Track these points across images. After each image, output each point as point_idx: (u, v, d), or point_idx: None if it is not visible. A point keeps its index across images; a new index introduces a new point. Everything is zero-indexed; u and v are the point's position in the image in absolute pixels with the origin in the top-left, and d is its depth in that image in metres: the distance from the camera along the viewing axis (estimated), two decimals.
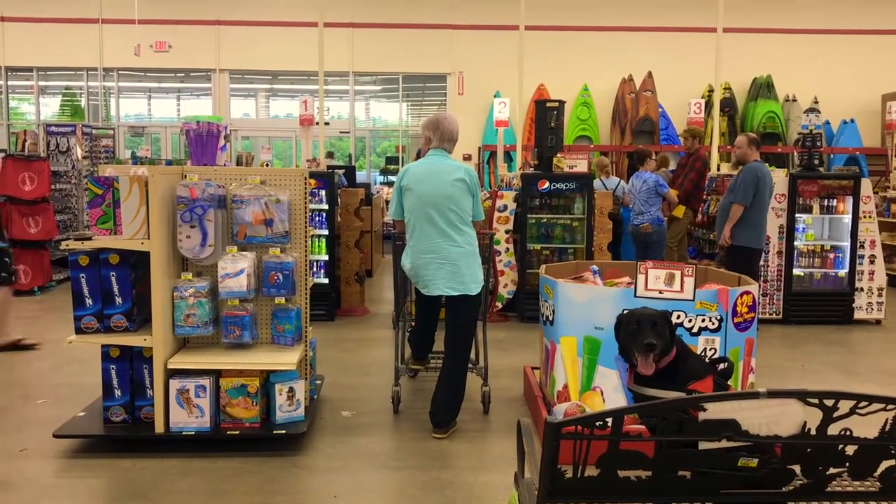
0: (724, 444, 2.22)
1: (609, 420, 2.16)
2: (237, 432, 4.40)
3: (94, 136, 11.90)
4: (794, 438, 2.19)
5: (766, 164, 7.67)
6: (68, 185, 11.03)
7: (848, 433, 2.18)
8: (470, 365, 5.06)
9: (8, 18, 15.29)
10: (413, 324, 5.47)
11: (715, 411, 2.17)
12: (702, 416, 2.18)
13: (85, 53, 15.48)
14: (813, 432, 2.17)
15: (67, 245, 4.27)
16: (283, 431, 4.43)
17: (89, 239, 4.29)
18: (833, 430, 2.17)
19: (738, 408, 2.18)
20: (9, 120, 16.05)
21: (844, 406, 2.14)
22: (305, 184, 4.71)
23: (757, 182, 7.20)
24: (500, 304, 8.21)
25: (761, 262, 7.86)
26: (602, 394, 4.32)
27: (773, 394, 2.13)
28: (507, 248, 8.15)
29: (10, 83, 16.04)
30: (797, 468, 2.28)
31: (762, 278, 8.05)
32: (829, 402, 2.14)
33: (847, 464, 2.24)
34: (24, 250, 9.36)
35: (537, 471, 2.30)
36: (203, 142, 4.71)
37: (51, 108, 16.48)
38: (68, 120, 15.75)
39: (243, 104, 16.94)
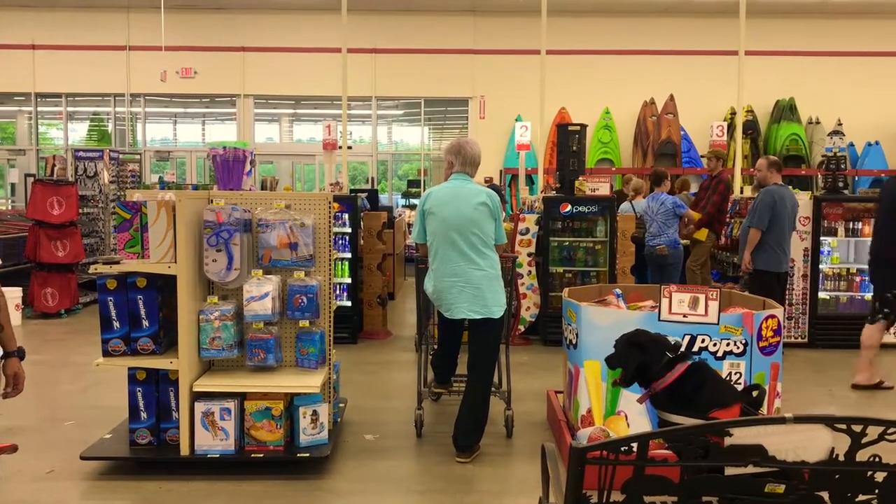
0: (750, 469, 2.20)
1: (634, 445, 2.16)
2: (261, 455, 4.42)
3: (121, 160, 12.07)
4: (822, 464, 2.17)
5: (789, 187, 7.62)
6: (95, 209, 11.19)
7: (877, 459, 2.16)
8: (493, 388, 5.06)
9: (39, 46, 15.61)
10: (435, 347, 5.47)
11: (741, 436, 2.16)
12: (728, 441, 2.17)
13: (112, 80, 15.76)
14: (841, 458, 2.15)
15: (96, 269, 4.33)
16: (307, 454, 4.45)
17: (117, 263, 4.35)
18: (862, 456, 2.15)
19: (764, 433, 2.17)
20: (38, 145, 16.33)
21: (873, 432, 2.11)
22: (329, 208, 4.76)
23: (773, 205, 7.13)
24: (522, 328, 8.19)
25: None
26: (627, 418, 4.30)
27: (799, 419, 2.12)
28: (530, 271, 8.15)
29: (39, 109, 16.32)
30: (825, 495, 2.26)
31: (786, 301, 7.97)
32: (857, 428, 2.11)
33: (876, 491, 2.21)
34: (51, 273, 9.49)
35: (562, 496, 2.30)
36: (229, 167, 4.77)
37: (79, 133, 16.76)
38: (96, 145, 16.01)
39: (267, 129, 17.13)
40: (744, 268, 7.32)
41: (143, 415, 4.49)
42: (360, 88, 15.03)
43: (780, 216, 7.14)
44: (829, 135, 8.52)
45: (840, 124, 14.66)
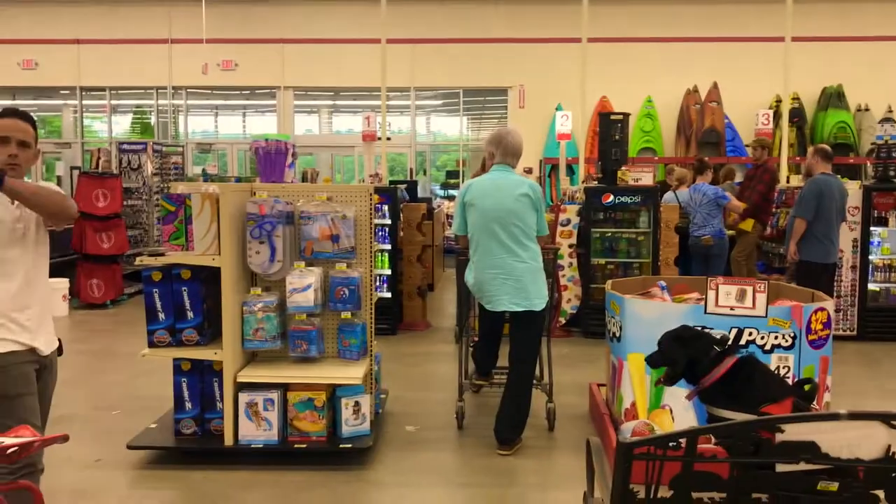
0: (802, 466, 2.15)
1: (682, 440, 2.12)
2: (304, 446, 4.45)
3: (164, 153, 12.23)
4: (878, 462, 2.11)
5: (837, 177, 7.45)
6: (139, 201, 11.35)
7: None
8: (534, 381, 5.03)
9: (83, 41, 15.85)
10: (476, 339, 5.45)
11: (793, 433, 2.11)
12: (779, 437, 2.12)
13: (155, 73, 15.95)
14: None
15: (141, 261, 4.39)
16: (350, 445, 4.47)
17: (162, 255, 4.40)
18: None
19: (817, 430, 2.12)
20: (83, 138, 16.62)
21: None
22: (370, 200, 4.76)
23: (819, 195, 6.97)
24: (563, 320, 8.14)
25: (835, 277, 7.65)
26: (671, 412, 4.24)
27: (854, 416, 2.06)
28: (571, 263, 8.09)
29: (84, 102, 16.60)
30: (881, 493, 2.20)
31: (835, 293, 7.81)
32: None
33: None
34: (96, 265, 9.66)
35: (608, 491, 2.27)
36: (272, 160, 4.79)
37: (122, 126, 17.01)
38: (139, 138, 16.23)
39: (306, 120, 17.21)
40: (789, 258, 7.19)
41: (188, 405, 4.54)
42: (398, 79, 15.02)
43: (827, 206, 6.99)
44: (879, 122, 8.31)
45: (891, 111, 14.28)
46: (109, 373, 6.60)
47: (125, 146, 11.74)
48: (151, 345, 4.45)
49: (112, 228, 9.75)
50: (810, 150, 7.38)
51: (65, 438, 2.37)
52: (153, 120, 16.62)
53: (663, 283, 4.90)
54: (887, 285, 8.07)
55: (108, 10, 15.77)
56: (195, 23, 14.79)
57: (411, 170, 16.30)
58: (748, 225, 8.86)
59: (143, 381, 6.27)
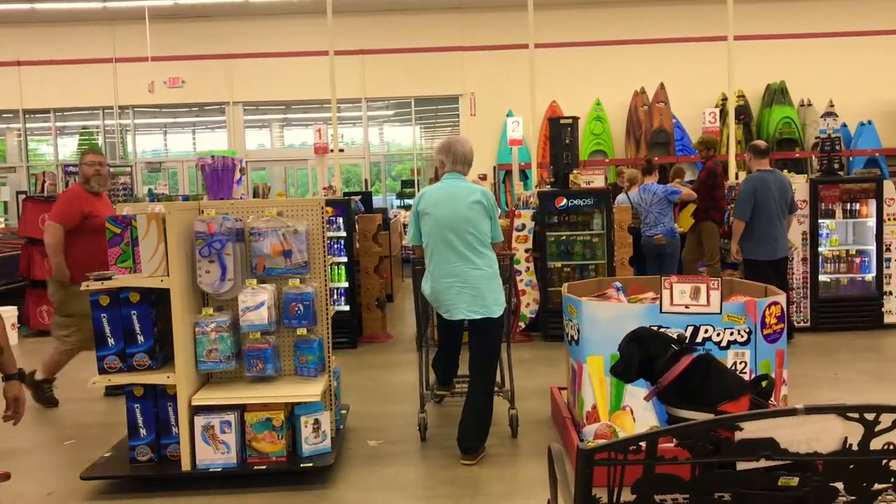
0: (762, 463, 2.15)
1: (643, 443, 2.11)
2: (264, 467, 4.36)
3: (112, 173, 11.98)
4: (836, 455, 2.12)
5: (777, 171, 7.56)
6: None
7: (891, 447, 2.11)
8: (496, 388, 5.00)
9: (24, 62, 15.53)
10: (436, 349, 5.41)
11: (752, 430, 2.11)
12: (738, 435, 2.12)
13: (100, 93, 15.69)
14: (855, 448, 2.10)
15: (87, 285, 4.27)
16: (311, 464, 4.39)
17: (109, 278, 4.29)
18: (875, 444, 2.10)
19: (775, 426, 2.12)
20: (28, 162, 16.25)
21: (886, 419, 2.07)
22: (322, 213, 4.70)
23: (753, 193, 7.08)
24: (523, 324, 8.14)
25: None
26: (632, 413, 4.25)
27: (811, 410, 2.07)
28: (528, 267, 8.10)
29: (28, 126, 16.25)
30: (840, 486, 2.21)
31: (788, 287, 7.94)
32: (869, 416, 2.07)
33: (892, 479, 2.16)
34: (45, 291, 9.38)
35: (571, 497, 2.25)
36: (219, 176, 4.71)
37: (69, 147, 16.67)
38: None
39: (258, 135, 17.06)
40: (732, 258, 7.32)
41: (143, 431, 4.42)
42: (349, 90, 14.97)
43: (765, 204, 7.07)
44: (822, 116, 8.49)
45: (832, 105, 14.61)
46: (62, 402, 6.41)
47: (71, 168, 11.47)
48: (102, 371, 4.32)
49: None
50: (747, 148, 7.52)
51: (6, 477, 2.27)
52: (100, 141, 16.31)
53: (619, 285, 4.92)
54: (837, 276, 8.22)
55: (49, 30, 15.48)
56: (139, 41, 14.57)
57: (366, 181, 16.23)
58: (685, 222, 8.98)
59: (96, 409, 6.11)
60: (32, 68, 15.56)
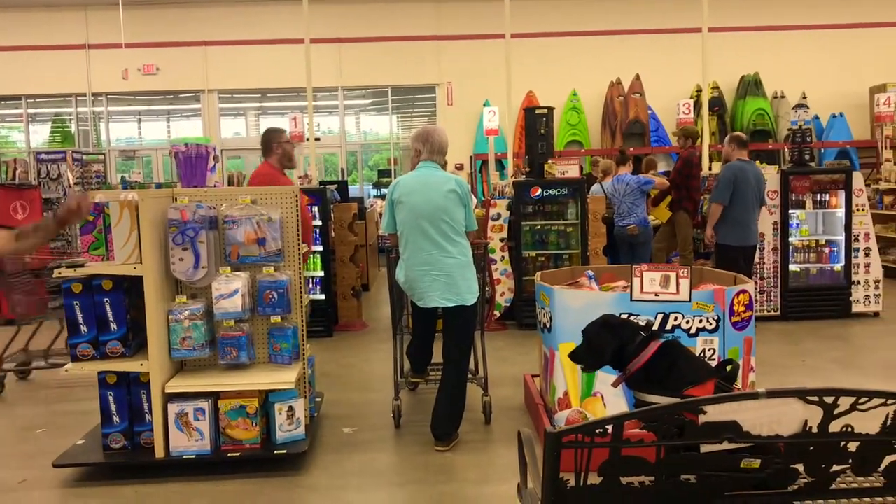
0: (726, 446, 2.20)
1: (609, 427, 2.15)
2: (238, 454, 4.37)
3: (85, 161, 11.88)
4: (796, 437, 2.17)
5: (755, 162, 7.70)
6: None
7: (850, 430, 2.17)
8: (470, 375, 5.05)
9: None
10: (411, 337, 5.44)
11: (715, 413, 2.16)
12: (702, 418, 2.17)
13: (73, 79, 15.48)
14: (815, 430, 2.16)
15: (60, 273, 4.25)
16: (284, 451, 4.41)
17: (82, 266, 4.27)
18: (835, 427, 2.16)
19: (738, 409, 2.17)
20: None
21: (845, 403, 2.12)
22: (296, 201, 4.69)
23: (734, 180, 7.26)
24: (497, 313, 8.19)
25: (756, 260, 7.88)
26: (603, 399, 4.30)
27: (772, 393, 2.12)
28: (503, 256, 8.14)
29: None
30: (801, 467, 2.27)
31: (758, 275, 8.05)
32: (829, 400, 2.12)
33: (850, 461, 2.22)
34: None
35: (540, 481, 2.28)
36: (192, 164, 4.69)
37: (41, 135, 16.44)
38: (59, 146, 15.73)
39: (233, 123, 16.92)
40: (706, 241, 7.45)
41: (116, 419, 4.42)
42: (325, 79, 14.88)
43: (743, 191, 7.25)
44: (794, 108, 8.58)
45: (805, 97, 14.79)
46: (33, 390, 6.38)
47: (43, 156, 11.37)
48: (74, 359, 4.31)
49: None
50: (727, 138, 7.66)
51: None
52: (73, 128, 16.12)
53: (591, 273, 4.97)
54: (807, 265, 8.34)
55: (20, 15, 15.23)
56: (113, 27, 14.37)
57: (343, 170, 16.18)
58: (661, 214, 9.06)
59: (68, 397, 6.08)
60: (3, 54, 15.30)
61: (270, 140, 5.89)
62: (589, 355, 3.07)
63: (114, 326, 4.29)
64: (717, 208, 7.32)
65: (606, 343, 3.00)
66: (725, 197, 7.26)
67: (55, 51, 15.28)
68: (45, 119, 16.54)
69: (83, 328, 4.29)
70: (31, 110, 16.16)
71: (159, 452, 4.32)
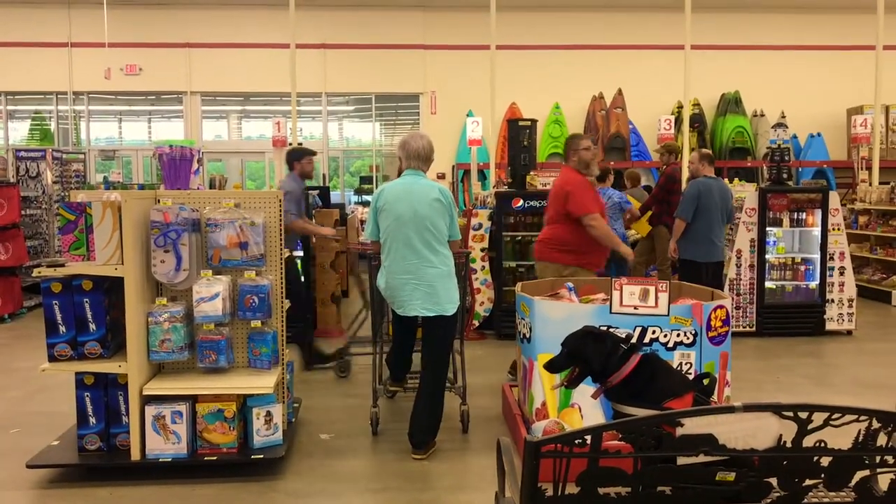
0: (701, 458, 2.24)
1: (588, 437, 2.18)
2: (215, 458, 4.36)
3: (65, 160, 11.78)
4: (771, 451, 2.21)
5: (720, 180, 7.83)
6: (39, 210, 10.90)
7: (823, 445, 2.22)
8: (448, 384, 5.06)
9: None
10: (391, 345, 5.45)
11: (692, 426, 2.20)
12: (679, 431, 2.20)
13: (54, 77, 15.37)
14: (788, 445, 2.20)
15: (40, 272, 4.22)
16: (261, 456, 4.40)
17: (62, 265, 4.25)
18: (808, 442, 2.20)
19: (714, 422, 2.21)
20: None
21: (818, 418, 2.17)
22: (280, 206, 4.70)
23: (698, 197, 7.39)
24: (476, 322, 8.22)
25: (733, 276, 7.99)
26: (580, 410, 4.33)
27: (749, 407, 2.16)
28: (483, 266, 8.17)
29: None
30: (774, 481, 2.31)
31: (734, 292, 8.14)
32: (803, 415, 2.17)
33: (822, 475, 2.27)
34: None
35: (518, 490, 2.31)
36: (176, 166, 4.69)
37: (20, 132, 16.29)
38: (38, 144, 15.58)
39: (215, 126, 16.85)
40: (669, 255, 7.58)
41: (92, 420, 4.39)
42: (309, 84, 14.88)
43: (708, 207, 7.38)
44: (773, 127, 8.69)
45: (784, 116, 14.99)
46: (7, 389, 6.31)
47: (22, 153, 11.26)
48: (52, 359, 4.28)
49: (10, 239, 9.33)
50: (694, 154, 7.82)
51: None
52: (53, 126, 15.99)
53: (570, 285, 5.01)
54: (783, 283, 8.45)
55: (2, 10, 15.11)
56: (97, 26, 14.28)
57: (324, 175, 16.16)
58: (642, 228, 9.14)
59: (44, 397, 6.03)
60: None
61: (568, 147, 5.92)
62: (568, 365, 3.10)
63: (93, 327, 4.27)
64: (680, 224, 7.48)
65: (594, 355, 3.02)
66: (689, 213, 7.39)
67: (37, 48, 15.17)
68: (24, 116, 16.39)
69: (62, 328, 4.26)
70: (10, 107, 16.01)
71: (135, 455, 4.30)
